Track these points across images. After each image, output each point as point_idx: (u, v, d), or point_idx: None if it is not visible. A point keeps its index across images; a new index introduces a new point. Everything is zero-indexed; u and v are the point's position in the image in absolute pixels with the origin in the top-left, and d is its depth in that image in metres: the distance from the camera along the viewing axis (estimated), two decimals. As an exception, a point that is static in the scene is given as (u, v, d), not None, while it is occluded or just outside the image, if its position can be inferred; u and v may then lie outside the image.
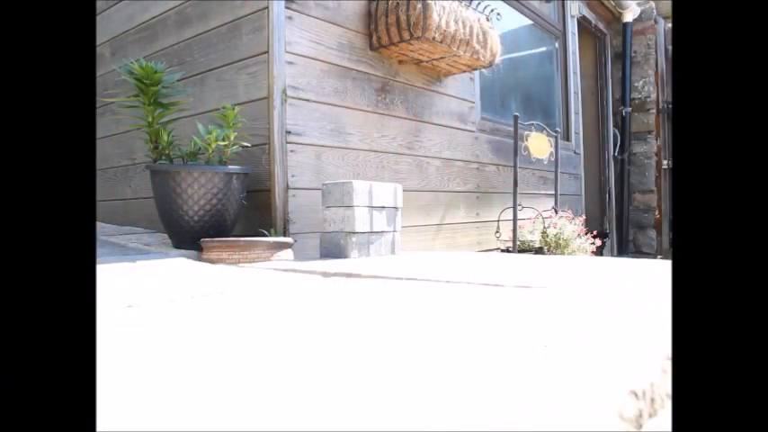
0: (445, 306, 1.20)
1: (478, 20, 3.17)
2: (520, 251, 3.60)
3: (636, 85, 6.23)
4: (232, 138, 2.33)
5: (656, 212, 6.19)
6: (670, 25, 6.12)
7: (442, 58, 3.12)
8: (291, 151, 2.51)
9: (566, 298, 1.24)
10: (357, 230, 2.27)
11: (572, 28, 5.40)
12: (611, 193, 6.21)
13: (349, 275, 1.73)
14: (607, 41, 6.32)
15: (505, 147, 4.05)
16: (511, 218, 3.67)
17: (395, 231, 2.51)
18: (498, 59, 3.39)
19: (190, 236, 2.31)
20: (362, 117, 2.90)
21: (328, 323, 1.03)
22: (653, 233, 6.21)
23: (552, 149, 4.14)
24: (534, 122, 4.05)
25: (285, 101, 2.49)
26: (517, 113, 3.77)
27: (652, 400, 0.64)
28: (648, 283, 1.52)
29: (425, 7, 2.75)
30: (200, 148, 2.37)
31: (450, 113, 3.57)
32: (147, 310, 1.20)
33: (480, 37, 3.17)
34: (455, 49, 3.00)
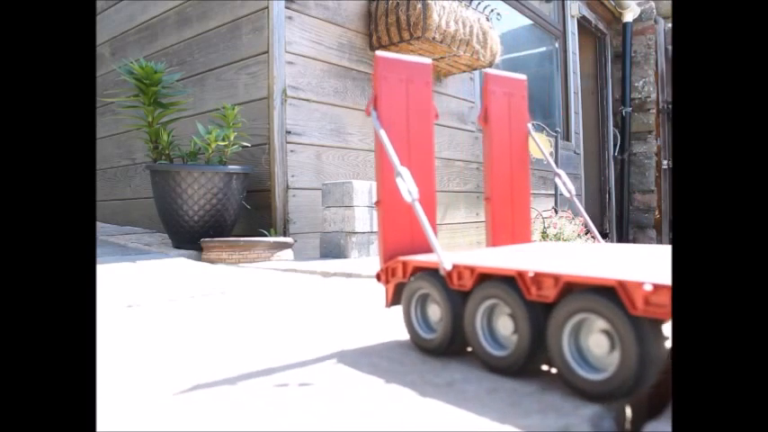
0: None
1: (478, 20, 3.17)
2: (520, 251, 3.60)
3: (636, 85, 6.23)
4: (232, 138, 2.33)
5: (656, 212, 6.19)
6: (670, 25, 6.12)
7: (441, 57, 3.12)
8: (291, 151, 2.51)
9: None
10: (357, 230, 2.27)
11: (572, 28, 5.40)
12: (611, 193, 6.21)
13: (349, 275, 1.73)
14: (607, 41, 6.31)
15: (505, 147, 4.04)
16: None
17: (395, 231, 2.51)
18: (498, 59, 3.38)
19: (190, 236, 2.31)
20: (362, 117, 2.90)
21: (329, 323, 1.03)
22: (653, 233, 6.21)
23: (552, 149, 4.14)
24: (534, 122, 4.05)
25: (285, 101, 2.49)
26: (517, 113, 3.77)
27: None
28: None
29: (425, 7, 2.75)
30: (200, 148, 2.37)
31: (450, 113, 3.57)
32: (147, 309, 1.20)
33: (480, 37, 3.17)
34: (455, 49, 3.00)
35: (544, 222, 3.67)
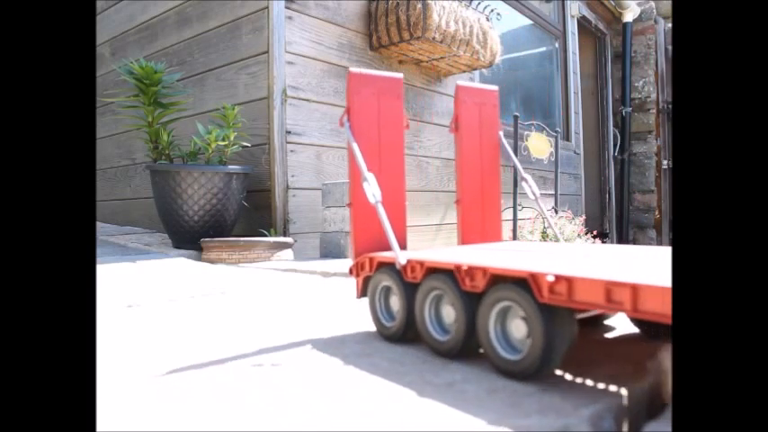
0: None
1: (478, 20, 3.17)
2: (520, 251, 3.59)
3: (636, 85, 6.23)
4: (232, 138, 2.33)
5: (656, 212, 6.19)
6: (670, 25, 6.11)
7: (441, 57, 3.12)
8: (291, 151, 2.51)
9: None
10: (357, 230, 2.27)
11: (572, 28, 5.40)
12: (611, 193, 6.21)
13: (349, 275, 1.73)
14: (607, 41, 6.31)
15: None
16: (511, 218, 3.67)
17: (395, 231, 2.51)
18: (498, 59, 3.38)
19: (190, 236, 2.31)
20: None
21: (328, 323, 1.03)
22: (653, 233, 6.21)
23: (552, 149, 4.14)
24: (534, 122, 4.05)
25: (285, 101, 2.49)
26: (517, 113, 3.77)
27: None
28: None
29: (425, 7, 2.75)
30: (200, 148, 2.37)
31: (449, 113, 3.56)
32: (147, 309, 1.20)
33: (480, 37, 3.17)
34: (455, 49, 3.00)
35: (544, 222, 3.67)
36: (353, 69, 1.00)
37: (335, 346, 0.85)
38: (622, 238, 6.21)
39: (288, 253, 2.23)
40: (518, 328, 0.67)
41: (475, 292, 0.72)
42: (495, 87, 1.16)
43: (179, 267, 1.97)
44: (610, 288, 0.58)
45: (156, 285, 1.55)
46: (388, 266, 0.88)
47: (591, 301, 0.59)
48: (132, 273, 1.82)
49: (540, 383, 0.64)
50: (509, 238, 3.69)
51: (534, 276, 0.63)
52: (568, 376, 0.67)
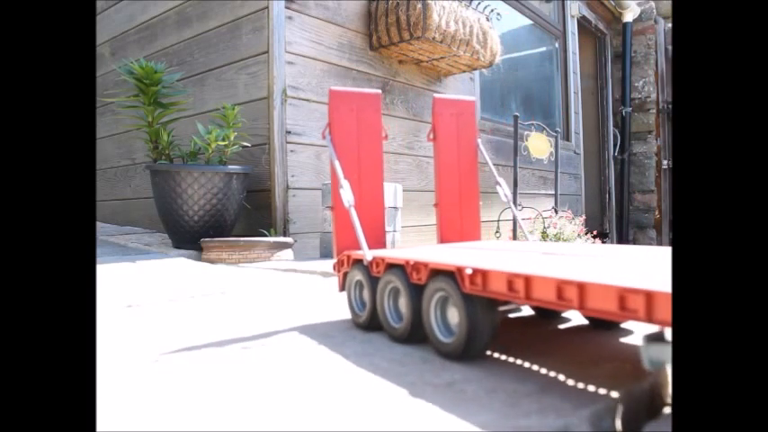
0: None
1: (478, 20, 3.17)
2: (520, 251, 3.59)
3: (636, 85, 6.22)
4: (232, 138, 2.33)
5: (656, 212, 6.18)
6: (670, 25, 6.11)
7: (442, 58, 3.12)
8: (291, 151, 2.51)
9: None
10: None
11: (572, 28, 5.39)
12: (611, 193, 6.21)
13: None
14: (607, 41, 6.31)
15: (505, 147, 4.05)
16: (510, 218, 3.67)
17: (395, 231, 2.51)
18: (498, 59, 3.38)
19: (190, 236, 2.31)
20: (362, 117, 2.89)
21: (328, 322, 1.03)
22: (653, 233, 6.20)
23: (552, 149, 4.14)
24: (534, 122, 4.04)
25: (285, 101, 2.49)
26: (517, 113, 3.77)
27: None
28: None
29: (425, 7, 2.75)
30: (200, 148, 2.37)
31: (450, 113, 3.56)
32: (147, 309, 1.20)
33: (480, 37, 3.17)
34: (455, 49, 3.00)
35: (544, 222, 3.66)
36: (333, 87, 1.12)
37: (338, 345, 0.85)
38: (622, 238, 6.21)
39: (288, 253, 2.23)
40: (453, 315, 0.77)
41: (419, 283, 0.82)
42: (472, 98, 1.26)
43: (179, 267, 1.97)
44: (510, 279, 0.65)
45: (156, 285, 1.55)
46: (361, 263, 0.98)
47: (499, 291, 0.67)
48: (132, 273, 1.82)
49: (539, 383, 0.64)
50: (509, 238, 3.69)
51: (459, 269, 0.72)
52: (562, 377, 0.67)
